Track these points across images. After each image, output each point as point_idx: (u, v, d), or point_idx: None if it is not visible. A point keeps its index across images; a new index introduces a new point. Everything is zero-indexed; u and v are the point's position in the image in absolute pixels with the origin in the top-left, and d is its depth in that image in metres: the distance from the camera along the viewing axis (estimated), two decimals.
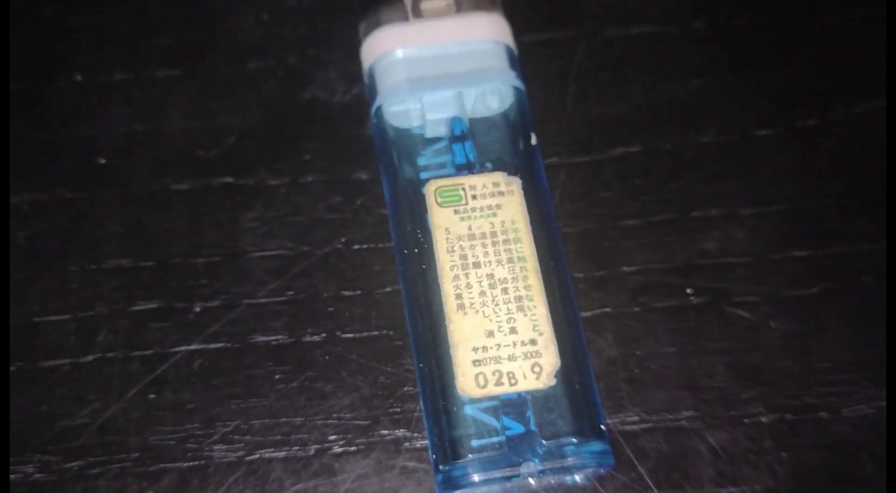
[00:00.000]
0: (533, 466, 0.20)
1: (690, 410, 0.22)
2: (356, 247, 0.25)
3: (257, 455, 0.22)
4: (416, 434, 0.22)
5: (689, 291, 0.24)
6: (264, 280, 0.24)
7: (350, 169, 0.26)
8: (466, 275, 0.21)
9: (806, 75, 0.27)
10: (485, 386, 0.20)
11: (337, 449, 0.22)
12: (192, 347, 0.23)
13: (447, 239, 0.22)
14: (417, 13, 0.24)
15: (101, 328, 0.24)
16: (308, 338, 0.23)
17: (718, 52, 0.27)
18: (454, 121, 0.23)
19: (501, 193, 0.22)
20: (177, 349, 0.23)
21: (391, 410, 0.23)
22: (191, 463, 0.22)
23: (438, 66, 0.23)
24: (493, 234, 0.22)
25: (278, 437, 0.22)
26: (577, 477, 0.21)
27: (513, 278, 0.21)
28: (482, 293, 0.21)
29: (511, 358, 0.20)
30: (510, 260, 0.21)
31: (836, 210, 0.25)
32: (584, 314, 0.23)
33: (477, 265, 0.21)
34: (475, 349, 0.20)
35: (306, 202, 0.25)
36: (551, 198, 0.24)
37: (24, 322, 0.24)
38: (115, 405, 0.23)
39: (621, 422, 0.22)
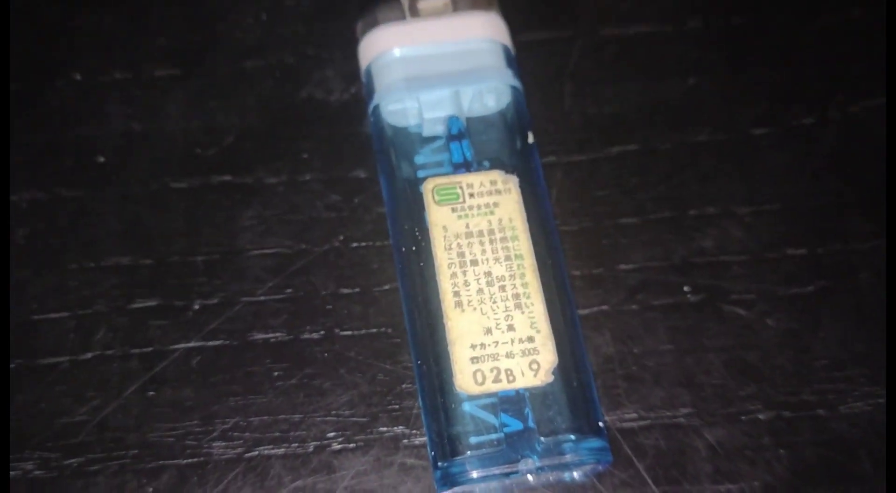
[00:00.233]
0: (531, 462, 0.20)
1: (688, 407, 0.23)
2: (354, 245, 0.25)
3: (256, 452, 0.22)
4: (414, 431, 0.22)
5: (686, 289, 0.24)
6: (263, 278, 0.24)
7: (348, 167, 0.26)
8: (464, 273, 0.21)
9: (803, 74, 0.27)
10: (483, 383, 0.20)
11: (336, 446, 0.22)
12: (191, 344, 0.23)
13: (445, 237, 0.22)
14: (414, 12, 0.24)
15: (100, 326, 0.24)
16: (306, 335, 0.23)
17: (715, 52, 0.27)
18: (451, 119, 0.23)
19: (499, 192, 0.22)
20: (175, 347, 0.23)
21: (390, 407, 0.23)
22: (190, 460, 0.22)
23: (435, 65, 0.23)
24: (491, 232, 0.22)
25: (277, 434, 0.22)
26: (576, 474, 0.21)
27: (510, 276, 0.21)
28: (480, 291, 0.21)
29: (509, 355, 0.20)
30: (508, 258, 0.21)
31: (833, 209, 0.25)
32: (581, 312, 0.24)
33: (474, 263, 0.21)
34: (473, 347, 0.20)
35: (304, 201, 0.25)
36: (548, 196, 0.24)
37: (24, 320, 0.24)
38: (115, 403, 0.23)
39: (619, 419, 0.22)
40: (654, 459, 0.22)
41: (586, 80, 0.27)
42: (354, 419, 0.22)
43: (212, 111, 0.27)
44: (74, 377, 0.23)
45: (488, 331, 0.21)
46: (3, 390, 0.23)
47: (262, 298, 0.24)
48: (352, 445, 0.22)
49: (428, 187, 0.22)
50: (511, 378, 0.20)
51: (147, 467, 0.22)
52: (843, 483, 0.22)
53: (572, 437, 0.20)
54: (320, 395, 0.23)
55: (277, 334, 0.23)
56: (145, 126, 0.26)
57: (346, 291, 0.24)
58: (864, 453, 0.22)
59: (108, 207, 0.25)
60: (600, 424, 0.20)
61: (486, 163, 0.23)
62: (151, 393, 0.23)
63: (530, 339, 0.21)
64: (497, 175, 0.22)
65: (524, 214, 0.22)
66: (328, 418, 0.22)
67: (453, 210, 0.22)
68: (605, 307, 0.24)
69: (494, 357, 0.20)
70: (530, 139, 0.23)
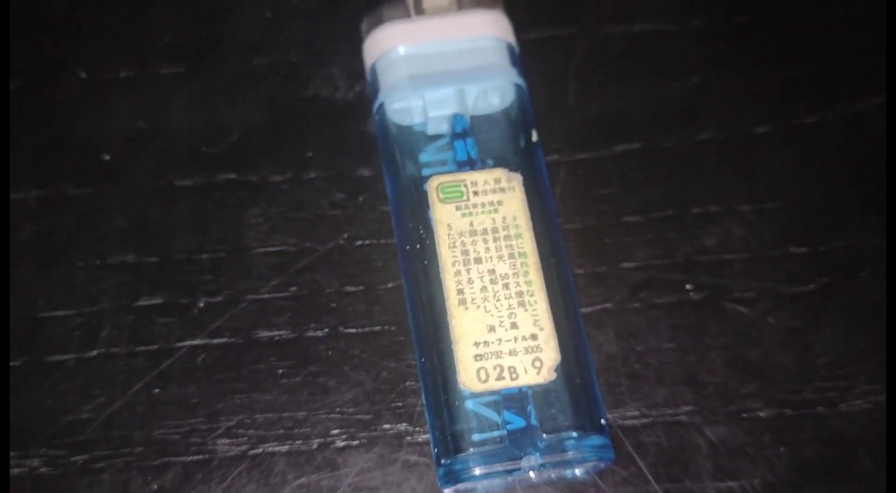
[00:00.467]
0: (534, 460, 0.20)
1: (690, 405, 0.23)
2: (358, 243, 0.25)
3: (261, 449, 0.22)
4: (417, 428, 0.22)
5: (688, 287, 0.24)
6: (267, 276, 0.24)
7: (352, 166, 0.26)
8: (468, 270, 0.21)
9: (805, 72, 0.27)
10: (486, 381, 0.20)
11: (340, 443, 0.22)
12: (196, 342, 0.23)
13: (449, 235, 0.22)
14: (419, 10, 0.24)
15: (105, 323, 0.24)
16: (311, 333, 0.24)
17: (718, 50, 0.27)
18: (456, 118, 0.23)
19: (503, 190, 0.22)
20: (181, 344, 0.23)
21: (393, 404, 0.23)
22: (195, 457, 0.22)
23: (440, 63, 0.23)
24: (495, 230, 0.22)
25: (281, 431, 0.22)
26: (578, 471, 0.21)
27: (514, 274, 0.21)
28: (483, 289, 0.21)
29: (512, 353, 0.20)
30: (511, 256, 0.21)
31: (835, 207, 0.25)
32: (584, 310, 0.24)
33: (478, 261, 0.21)
34: (476, 344, 0.21)
35: (309, 199, 0.25)
36: (552, 194, 0.24)
37: (30, 317, 0.24)
38: (120, 400, 0.23)
39: (621, 417, 0.23)
40: (656, 456, 0.22)
41: (590, 78, 0.27)
42: (358, 416, 0.23)
43: (217, 109, 0.27)
44: (80, 375, 0.23)
45: (492, 329, 0.21)
46: (3, 390, 0.23)
47: (266, 295, 0.24)
48: (355, 442, 0.22)
49: (432, 185, 0.22)
50: (514, 376, 0.20)
51: (152, 464, 0.22)
52: (843, 481, 0.22)
53: (574, 434, 0.20)
54: (324, 392, 0.23)
55: (282, 332, 0.24)
56: (151, 124, 0.26)
57: (350, 288, 0.24)
58: (864, 450, 0.22)
59: (113, 205, 0.25)
60: (602, 421, 0.20)
61: (491, 161, 0.23)
62: (157, 390, 0.23)
63: (533, 336, 0.21)
64: (501, 173, 0.22)
65: (528, 212, 0.22)
66: (332, 415, 0.23)
67: (457, 208, 0.22)
68: (608, 305, 0.24)
69: (498, 355, 0.20)
70: (534, 137, 0.23)
